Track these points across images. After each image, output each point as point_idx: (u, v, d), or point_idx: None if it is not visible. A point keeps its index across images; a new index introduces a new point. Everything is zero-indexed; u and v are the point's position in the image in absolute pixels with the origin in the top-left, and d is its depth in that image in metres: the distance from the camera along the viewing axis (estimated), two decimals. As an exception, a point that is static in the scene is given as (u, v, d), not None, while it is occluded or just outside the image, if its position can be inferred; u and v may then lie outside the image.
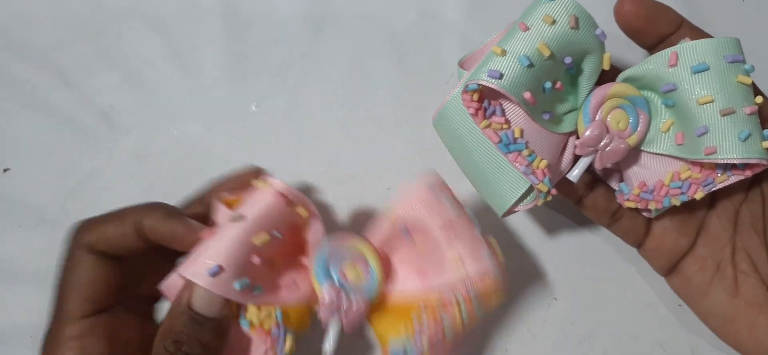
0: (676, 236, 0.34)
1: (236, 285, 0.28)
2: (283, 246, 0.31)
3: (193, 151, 0.40)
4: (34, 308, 0.38)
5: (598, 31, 0.30)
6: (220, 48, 0.42)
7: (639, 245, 0.36)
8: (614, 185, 0.35)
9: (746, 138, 0.28)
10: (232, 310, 0.29)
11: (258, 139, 0.41)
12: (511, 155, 0.30)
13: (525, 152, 0.30)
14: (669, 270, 0.35)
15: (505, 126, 0.30)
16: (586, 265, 0.39)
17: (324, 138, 0.41)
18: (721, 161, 0.29)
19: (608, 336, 0.39)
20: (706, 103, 0.29)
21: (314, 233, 0.31)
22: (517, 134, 0.30)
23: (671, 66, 0.29)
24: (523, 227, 0.40)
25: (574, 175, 0.32)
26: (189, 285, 0.28)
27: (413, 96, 0.42)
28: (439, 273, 0.30)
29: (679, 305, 0.38)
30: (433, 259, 0.30)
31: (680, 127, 0.31)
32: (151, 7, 0.42)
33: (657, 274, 0.37)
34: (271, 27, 0.42)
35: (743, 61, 0.30)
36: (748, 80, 0.29)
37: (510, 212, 0.32)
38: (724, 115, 0.29)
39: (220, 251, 0.28)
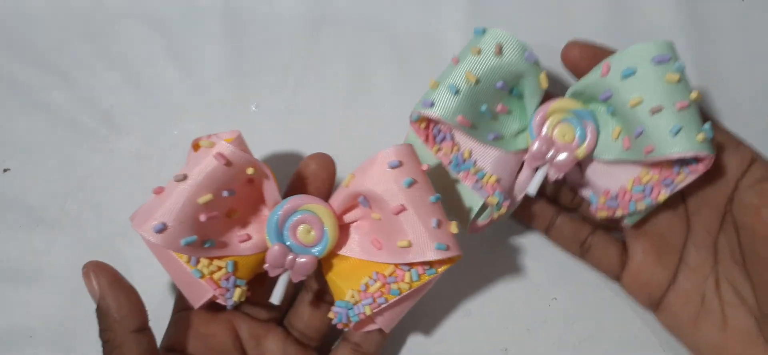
0: (652, 268, 0.35)
1: (182, 242, 0.29)
2: (241, 198, 0.32)
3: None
4: (34, 308, 0.38)
5: (526, 54, 0.32)
6: (220, 48, 0.42)
7: (617, 277, 0.36)
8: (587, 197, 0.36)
9: (677, 132, 0.30)
10: (171, 259, 0.30)
11: (258, 139, 0.41)
12: (461, 174, 0.33)
13: (473, 170, 0.33)
14: (654, 305, 0.35)
15: (454, 149, 0.33)
16: (586, 264, 0.39)
17: (324, 138, 0.41)
18: (660, 159, 0.30)
19: (608, 336, 0.39)
20: (637, 105, 0.30)
21: (269, 191, 0.32)
22: (466, 155, 0.33)
23: (603, 75, 0.31)
24: (523, 226, 0.40)
25: (532, 188, 0.34)
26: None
27: (413, 96, 0.41)
28: (392, 251, 0.31)
29: (679, 305, 0.38)
30: (388, 235, 0.31)
31: (626, 133, 0.32)
32: (151, 7, 0.42)
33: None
34: (271, 27, 0.42)
35: (671, 60, 0.31)
36: (675, 77, 0.30)
37: (474, 228, 0.34)
38: (653, 113, 0.30)
39: (164, 209, 0.29)
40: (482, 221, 0.34)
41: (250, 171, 0.30)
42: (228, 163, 0.29)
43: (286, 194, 0.33)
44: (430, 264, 0.31)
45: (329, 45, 0.42)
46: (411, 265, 0.31)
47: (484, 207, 0.33)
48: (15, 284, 0.38)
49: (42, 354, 0.37)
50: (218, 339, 0.33)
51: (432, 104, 0.32)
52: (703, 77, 0.42)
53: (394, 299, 0.31)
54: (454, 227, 0.31)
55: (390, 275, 0.31)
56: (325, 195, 0.34)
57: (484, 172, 0.33)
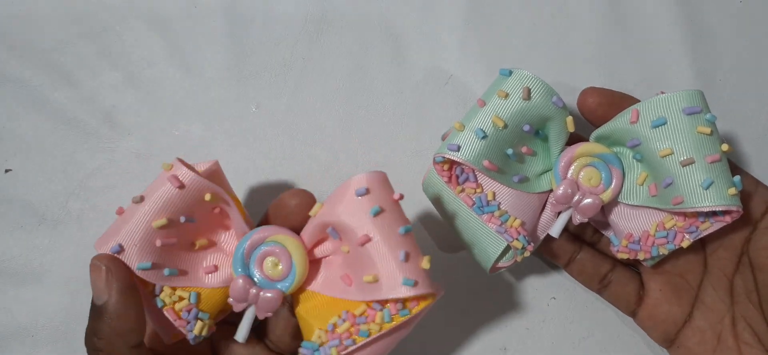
0: (668, 306, 0.35)
1: (137, 266, 0.28)
2: (208, 228, 0.31)
3: (194, 151, 0.41)
4: (35, 308, 0.38)
5: (553, 99, 0.31)
6: (221, 48, 0.42)
7: (632, 313, 0.36)
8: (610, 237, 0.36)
9: (709, 186, 0.30)
10: (145, 293, 0.30)
11: (258, 140, 0.41)
12: (485, 216, 0.32)
13: (497, 213, 0.32)
14: (668, 342, 0.36)
15: (478, 190, 0.33)
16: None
17: (324, 138, 0.41)
18: (690, 211, 0.30)
19: (608, 335, 0.39)
20: (667, 156, 0.30)
21: (234, 220, 0.30)
22: (489, 197, 0.33)
23: (632, 123, 0.31)
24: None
25: (555, 231, 0.34)
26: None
27: (413, 96, 0.42)
28: (360, 287, 0.29)
29: (678, 305, 0.38)
30: (356, 269, 0.29)
31: (653, 179, 0.32)
32: (152, 7, 0.42)
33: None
34: (271, 27, 0.42)
35: (702, 112, 0.31)
36: (707, 130, 0.30)
37: (495, 268, 0.34)
38: (684, 165, 0.30)
39: (124, 231, 0.28)
40: (504, 262, 0.33)
41: (207, 197, 0.29)
42: (181, 187, 0.28)
43: (261, 224, 0.32)
44: (404, 304, 0.28)
45: (329, 45, 0.42)
46: (383, 304, 0.28)
47: (506, 248, 0.33)
48: (17, 284, 0.38)
49: (43, 354, 0.38)
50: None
51: (458, 148, 0.31)
52: (702, 77, 0.42)
53: (363, 341, 0.28)
54: (425, 262, 0.28)
55: (360, 315, 0.29)
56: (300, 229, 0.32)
57: (508, 215, 0.32)
